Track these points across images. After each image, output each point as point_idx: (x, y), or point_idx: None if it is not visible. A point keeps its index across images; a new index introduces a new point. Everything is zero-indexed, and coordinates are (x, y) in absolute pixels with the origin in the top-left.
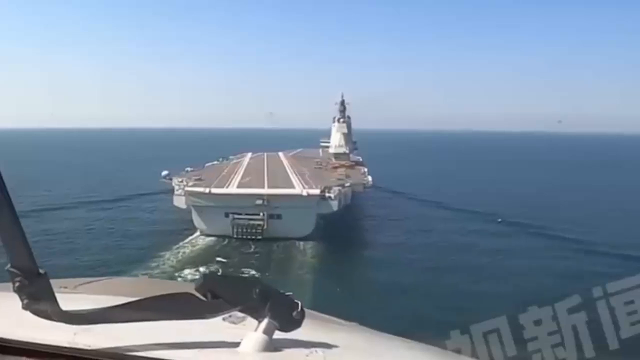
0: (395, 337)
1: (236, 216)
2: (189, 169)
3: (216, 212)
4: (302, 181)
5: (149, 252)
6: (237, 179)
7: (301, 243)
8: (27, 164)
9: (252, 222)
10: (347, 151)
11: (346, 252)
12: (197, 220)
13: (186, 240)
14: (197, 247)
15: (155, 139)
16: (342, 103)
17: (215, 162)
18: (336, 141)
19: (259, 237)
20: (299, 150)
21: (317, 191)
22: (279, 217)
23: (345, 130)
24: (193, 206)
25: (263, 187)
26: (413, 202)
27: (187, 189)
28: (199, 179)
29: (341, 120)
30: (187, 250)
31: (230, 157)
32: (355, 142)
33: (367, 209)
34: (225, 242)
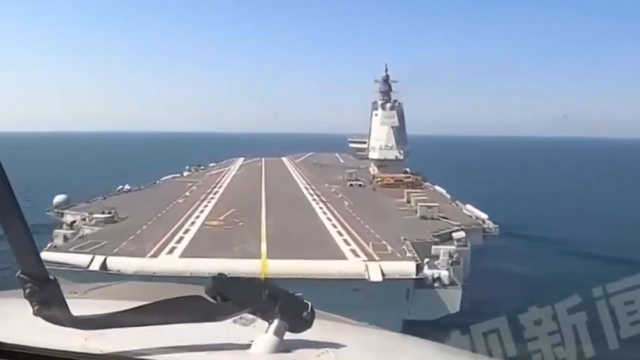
0: (407, 336)
1: None
2: (126, 186)
3: None
4: (344, 223)
5: None
6: (197, 221)
7: None
8: None
9: None
10: (401, 156)
11: None
12: None
13: None
14: None
15: (155, 142)
16: (386, 81)
17: (186, 174)
18: (382, 139)
19: None
20: (309, 154)
21: (410, 267)
22: None
23: (397, 122)
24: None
25: (257, 255)
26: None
27: (45, 253)
28: (110, 218)
29: (388, 106)
30: None
31: (211, 164)
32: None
33: (502, 283)
34: None
